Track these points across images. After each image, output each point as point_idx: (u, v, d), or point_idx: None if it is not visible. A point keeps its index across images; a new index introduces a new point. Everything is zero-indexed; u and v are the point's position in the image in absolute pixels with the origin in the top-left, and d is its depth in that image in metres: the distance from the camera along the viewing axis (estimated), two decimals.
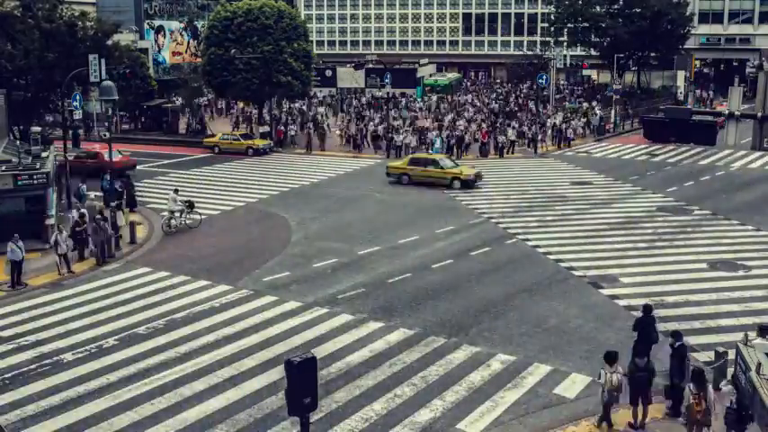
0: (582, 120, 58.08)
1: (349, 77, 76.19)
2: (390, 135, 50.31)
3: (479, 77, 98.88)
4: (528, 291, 23.59)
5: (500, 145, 49.18)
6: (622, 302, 22.38)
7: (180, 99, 64.72)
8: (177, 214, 31.72)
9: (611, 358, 15.44)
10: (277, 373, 17.50)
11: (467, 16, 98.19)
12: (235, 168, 45.63)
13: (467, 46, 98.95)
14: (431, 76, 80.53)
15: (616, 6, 72.37)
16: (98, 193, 35.97)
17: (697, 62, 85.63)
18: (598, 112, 60.46)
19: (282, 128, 55.44)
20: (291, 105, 68.77)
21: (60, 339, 20.24)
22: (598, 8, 72.63)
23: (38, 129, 35.14)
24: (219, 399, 16.92)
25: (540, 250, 27.85)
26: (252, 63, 51.75)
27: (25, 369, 18.48)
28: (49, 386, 17.52)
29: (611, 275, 24.85)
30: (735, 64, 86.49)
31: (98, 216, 28.17)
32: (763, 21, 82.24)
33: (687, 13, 74.03)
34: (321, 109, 67.16)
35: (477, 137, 50.34)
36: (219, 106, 71.99)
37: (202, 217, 32.49)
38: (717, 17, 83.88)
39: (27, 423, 15.95)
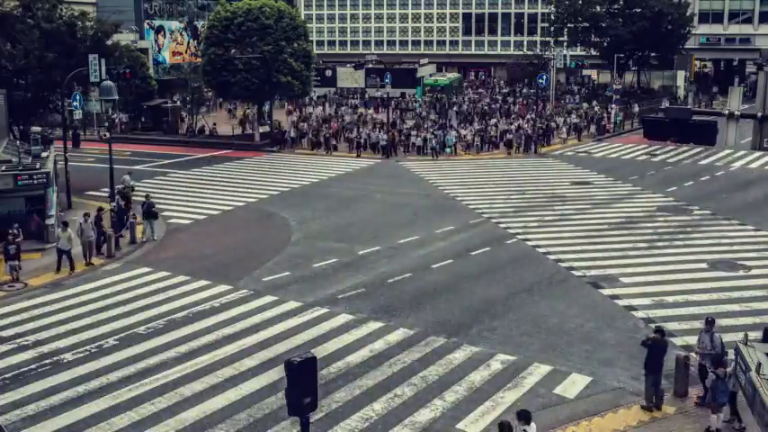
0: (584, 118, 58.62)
1: (349, 77, 76.26)
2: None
3: (479, 77, 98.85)
4: (528, 291, 23.58)
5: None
6: (622, 302, 22.38)
7: (178, 99, 64.67)
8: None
9: None
10: (277, 373, 17.49)
11: (467, 16, 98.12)
12: (235, 168, 45.62)
13: (467, 46, 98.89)
14: (431, 76, 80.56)
15: (616, 6, 72.34)
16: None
17: (697, 62, 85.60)
18: (597, 110, 60.92)
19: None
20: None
21: (60, 339, 20.23)
22: (598, 8, 72.59)
23: (38, 129, 35.14)
24: (219, 399, 16.91)
25: (540, 250, 27.84)
26: (252, 63, 51.72)
27: (25, 369, 18.47)
28: (48, 386, 17.51)
29: (611, 275, 24.83)
30: (735, 64, 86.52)
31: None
32: (763, 21, 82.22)
33: (688, 14, 74.01)
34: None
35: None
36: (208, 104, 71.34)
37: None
38: (717, 17, 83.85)
39: (27, 423, 15.95)
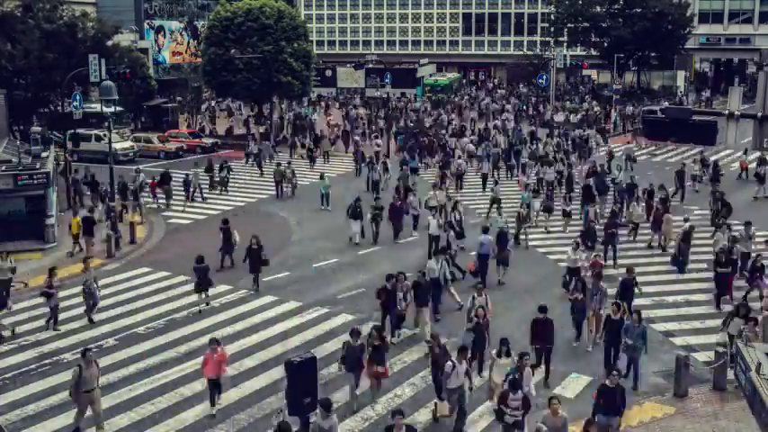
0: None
1: (349, 77, 76.17)
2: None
3: (479, 77, 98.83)
4: (528, 291, 23.58)
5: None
6: None
7: (178, 98, 64.67)
8: None
9: None
10: (277, 373, 17.51)
11: (467, 16, 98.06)
12: (235, 168, 45.55)
13: (467, 46, 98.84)
14: (431, 76, 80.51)
15: (616, 6, 72.35)
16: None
17: (697, 61, 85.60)
18: (597, 110, 61.19)
19: None
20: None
21: (60, 339, 20.24)
22: (598, 8, 72.61)
23: (38, 129, 35.22)
24: (219, 399, 16.90)
25: (541, 250, 27.82)
26: (252, 63, 51.73)
27: (25, 369, 18.50)
28: (48, 386, 17.52)
29: (611, 275, 24.76)
30: (735, 64, 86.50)
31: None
32: (763, 21, 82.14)
33: (688, 14, 74.04)
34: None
35: None
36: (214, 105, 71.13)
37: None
38: (717, 17, 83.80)
39: (27, 423, 15.96)
